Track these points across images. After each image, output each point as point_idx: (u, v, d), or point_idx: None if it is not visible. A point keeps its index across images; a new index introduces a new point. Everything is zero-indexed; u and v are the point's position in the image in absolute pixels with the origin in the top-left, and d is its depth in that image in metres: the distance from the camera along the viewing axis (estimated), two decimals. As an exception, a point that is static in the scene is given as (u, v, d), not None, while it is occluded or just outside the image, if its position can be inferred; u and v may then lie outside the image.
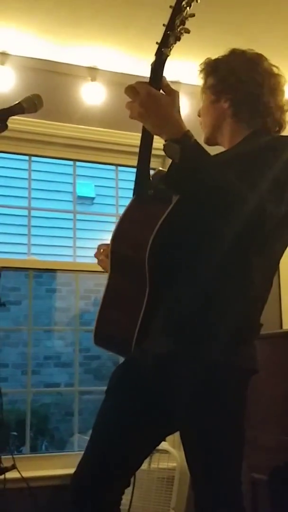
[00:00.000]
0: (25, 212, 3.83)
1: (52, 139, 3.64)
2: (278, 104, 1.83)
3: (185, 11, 1.60)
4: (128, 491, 1.76)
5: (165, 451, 3.29)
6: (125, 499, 1.76)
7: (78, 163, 3.94)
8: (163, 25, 1.59)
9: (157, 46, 1.64)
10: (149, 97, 1.53)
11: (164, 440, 3.36)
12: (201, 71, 1.92)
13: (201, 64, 1.93)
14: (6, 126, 1.70)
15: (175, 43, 1.63)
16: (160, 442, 1.80)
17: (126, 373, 1.72)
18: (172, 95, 1.58)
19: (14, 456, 2.99)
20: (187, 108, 4.07)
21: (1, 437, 2.84)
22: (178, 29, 1.61)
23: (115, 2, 3.22)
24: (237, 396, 1.70)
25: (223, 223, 1.54)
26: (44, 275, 6.64)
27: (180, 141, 1.50)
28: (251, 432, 2.74)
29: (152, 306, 1.57)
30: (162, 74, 1.60)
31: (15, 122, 1.76)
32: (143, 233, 1.55)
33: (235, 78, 1.82)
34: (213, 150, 1.77)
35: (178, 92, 1.59)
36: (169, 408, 1.66)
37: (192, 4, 1.60)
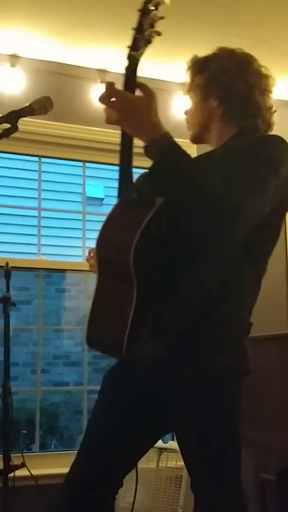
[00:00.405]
0: (35, 213, 3.85)
1: (62, 141, 3.67)
2: (267, 105, 1.83)
3: (153, 14, 1.58)
4: (130, 489, 1.78)
5: (173, 450, 3.29)
6: (129, 497, 1.78)
7: (87, 164, 3.97)
8: (132, 28, 1.58)
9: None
10: (125, 102, 1.52)
11: (172, 439, 3.38)
12: (188, 69, 1.90)
13: (188, 61, 1.91)
14: (17, 128, 1.72)
15: (146, 46, 1.60)
16: (154, 443, 1.83)
17: (118, 375, 1.74)
18: (149, 96, 1.56)
19: (24, 454, 3.01)
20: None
21: (11, 435, 2.86)
22: (148, 32, 1.59)
23: (126, 4, 3.24)
24: (229, 397, 1.68)
25: (206, 224, 1.54)
26: (54, 275, 6.66)
27: (159, 142, 1.51)
28: (259, 433, 2.76)
29: (141, 310, 1.56)
30: (135, 77, 1.58)
31: (25, 123, 1.77)
32: (128, 237, 1.54)
33: (226, 77, 1.81)
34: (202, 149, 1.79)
35: (155, 93, 1.57)
36: (160, 410, 1.68)
37: (160, 6, 1.59)
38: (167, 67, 3.77)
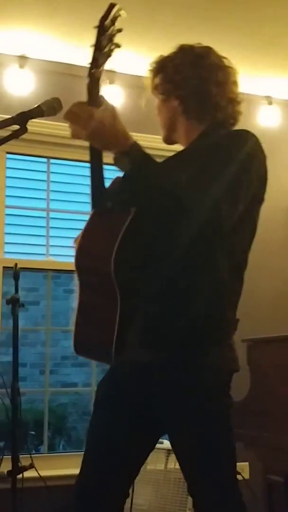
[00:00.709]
0: (44, 214, 3.86)
1: (71, 142, 3.65)
2: (228, 96, 1.82)
3: (111, 29, 1.58)
4: (139, 490, 1.78)
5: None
6: (137, 498, 1.77)
7: (96, 165, 3.96)
8: (91, 46, 1.58)
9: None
10: (92, 119, 1.52)
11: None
12: (150, 71, 1.90)
13: (151, 63, 1.91)
14: (26, 129, 1.72)
15: (106, 60, 1.61)
16: (153, 446, 1.82)
17: (111, 386, 1.76)
18: (111, 109, 1.56)
19: (32, 455, 3.02)
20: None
21: (19, 436, 2.86)
22: (107, 48, 1.59)
23: (135, 5, 3.24)
24: (221, 397, 1.68)
25: (181, 228, 1.55)
26: (62, 276, 6.65)
27: (128, 153, 1.52)
28: (267, 434, 2.75)
29: (125, 317, 1.58)
30: (98, 92, 1.58)
31: (34, 125, 1.77)
32: (107, 246, 1.56)
33: (180, 75, 1.82)
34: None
35: (115, 107, 1.57)
36: (153, 415, 1.68)
37: (117, 20, 1.58)
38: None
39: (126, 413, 1.71)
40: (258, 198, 1.71)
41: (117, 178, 1.69)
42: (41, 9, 3.26)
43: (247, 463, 3.83)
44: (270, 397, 2.77)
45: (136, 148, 1.54)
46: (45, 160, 3.89)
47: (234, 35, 3.53)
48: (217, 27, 3.44)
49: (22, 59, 3.68)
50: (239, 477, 3.80)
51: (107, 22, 1.55)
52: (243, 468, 3.86)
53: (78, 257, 1.62)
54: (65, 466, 3.37)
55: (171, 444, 1.74)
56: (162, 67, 1.87)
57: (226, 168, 1.58)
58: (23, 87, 3.63)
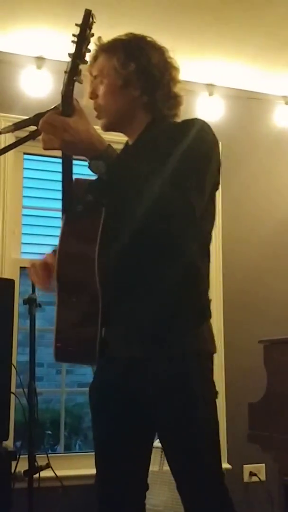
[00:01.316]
0: (59, 214, 3.86)
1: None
2: (179, 93, 1.85)
3: (90, 36, 1.55)
4: (155, 491, 1.78)
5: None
6: (154, 499, 1.78)
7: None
8: (69, 54, 1.55)
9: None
10: (68, 129, 1.51)
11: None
12: (103, 50, 1.84)
13: (102, 42, 1.86)
14: (43, 130, 1.73)
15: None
16: (151, 446, 1.83)
17: (101, 389, 1.79)
18: (82, 114, 1.55)
19: (49, 455, 3.03)
20: (223, 110, 4.07)
21: (36, 436, 2.87)
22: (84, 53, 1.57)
23: (149, 8, 3.24)
24: (207, 381, 1.71)
25: (155, 222, 1.58)
26: (79, 276, 6.68)
27: (103, 157, 1.53)
28: (284, 435, 2.73)
29: (107, 315, 1.62)
30: (72, 99, 1.56)
31: (51, 126, 1.78)
32: (85, 250, 1.59)
33: (155, 69, 1.80)
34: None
35: (83, 110, 1.56)
36: (145, 408, 1.70)
37: (93, 25, 1.55)
38: (192, 67, 3.76)
39: (119, 415, 1.74)
40: (216, 183, 1.77)
41: (79, 180, 1.70)
42: (58, 9, 3.27)
43: (263, 465, 3.82)
44: (283, 398, 2.75)
45: (110, 151, 1.55)
46: (60, 160, 3.88)
47: (251, 35, 3.52)
48: (233, 28, 3.44)
49: (39, 60, 3.70)
50: (255, 478, 3.79)
51: (88, 32, 1.53)
52: (260, 470, 3.85)
53: (59, 265, 1.63)
54: (81, 466, 3.38)
55: (160, 438, 1.75)
56: (129, 53, 1.80)
57: (195, 165, 1.64)
58: (40, 88, 3.65)
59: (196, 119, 1.75)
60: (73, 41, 1.52)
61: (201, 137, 1.70)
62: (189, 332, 1.69)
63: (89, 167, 1.56)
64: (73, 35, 1.52)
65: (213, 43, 3.59)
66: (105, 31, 1.85)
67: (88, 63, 1.85)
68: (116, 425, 1.75)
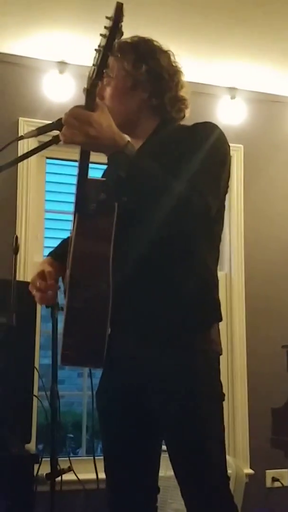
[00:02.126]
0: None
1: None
2: (185, 96, 1.85)
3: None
4: (177, 495, 1.78)
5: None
6: (176, 503, 1.77)
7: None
8: (98, 48, 1.50)
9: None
10: (92, 123, 1.49)
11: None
12: (117, 50, 1.78)
13: (118, 42, 1.83)
14: (64, 135, 1.74)
15: None
16: (158, 449, 1.82)
17: (109, 393, 1.80)
18: (104, 109, 1.53)
19: (71, 458, 3.03)
20: (245, 114, 4.06)
21: (58, 439, 2.88)
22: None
23: (177, 7, 3.24)
24: (216, 381, 1.70)
25: (174, 223, 1.58)
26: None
27: (125, 153, 1.52)
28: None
29: (116, 315, 1.61)
30: (96, 94, 1.52)
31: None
32: (99, 250, 1.58)
33: (166, 73, 1.80)
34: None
35: (105, 106, 1.55)
36: (153, 412, 1.69)
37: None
38: (214, 70, 3.75)
39: (126, 418, 1.74)
40: (226, 190, 1.77)
41: (90, 179, 1.67)
42: (80, 14, 3.28)
43: (286, 470, 3.79)
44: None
45: (130, 147, 1.55)
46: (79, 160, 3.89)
47: (274, 38, 3.50)
48: (255, 32, 3.42)
49: (62, 65, 3.72)
50: (278, 483, 3.76)
51: (120, 24, 1.50)
52: (282, 475, 3.82)
53: (74, 264, 1.60)
54: (103, 470, 3.37)
55: (165, 441, 1.74)
56: (140, 56, 1.80)
57: (211, 169, 1.65)
58: (63, 93, 3.67)
59: (209, 123, 1.75)
60: (102, 34, 1.49)
61: (218, 145, 1.70)
62: (198, 334, 1.69)
63: (109, 162, 1.55)
64: (105, 27, 1.49)
65: (235, 46, 3.58)
66: (126, 34, 1.86)
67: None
68: (124, 428, 1.75)
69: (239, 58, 3.69)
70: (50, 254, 1.97)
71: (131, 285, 1.65)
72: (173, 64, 1.84)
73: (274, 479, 3.80)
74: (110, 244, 1.59)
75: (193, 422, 1.64)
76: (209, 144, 1.68)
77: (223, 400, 1.71)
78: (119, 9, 1.46)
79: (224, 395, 1.72)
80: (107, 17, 1.47)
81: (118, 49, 1.77)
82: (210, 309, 1.73)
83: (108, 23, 1.46)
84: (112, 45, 1.46)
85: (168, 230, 1.61)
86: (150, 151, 1.75)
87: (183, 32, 3.33)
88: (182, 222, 1.59)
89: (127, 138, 1.57)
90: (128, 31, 1.84)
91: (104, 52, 1.46)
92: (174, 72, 1.82)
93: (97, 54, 1.48)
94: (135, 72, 1.78)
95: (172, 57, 1.85)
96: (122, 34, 1.49)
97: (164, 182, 1.55)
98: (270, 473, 3.81)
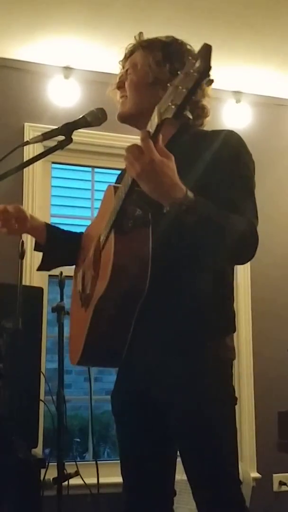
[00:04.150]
0: (89, 222, 3.88)
1: (115, 151, 3.69)
2: (207, 106, 1.83)
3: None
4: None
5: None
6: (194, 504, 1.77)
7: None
8: (176, 84, 1.30)
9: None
10: (154, 164, 1.41)
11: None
12: (146, 46, 1.81)
13: (137, 36, 1.85)
14: (71, 140, 1.75)
15: None
16: (174, 452, 1.81)
17: (123, 397, 1.81)
18: (171, 158, 1.45)
19: (77, 462, 3.03)
20: (251, 118, 4.06)
21: (64, 444, 2.88)
22: None
23: (182, 12, 3.25)
24: (230, 388, 1.71)
25: (217, 245, 1.58)
26: (107, 283, 6.69)
27: (184, 204, 1.46)
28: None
29: (139, 322, 1.62)
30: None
31: (79, 135, 1.79)
32: (139, 264, 1.56)
33: (178, 67, 1.72)
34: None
35: (172, 155, 1.47)
36: (167, 415, 1.68)
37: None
38: (219, 74, 3.75)
39: (141, 421, 1.74)
40: None
41: (114, 187, 1.67)
42: (85, 19, 3.29)
43: (294, 474, 3.78)
44: None
45: (191, 198, 1.48)
46: (89, 169, 3.92)
47: (279, 42, 3.50)
48: (262, 34, 3.43)
49: (67, 70, 3.73)
50: (284, 487, 3.75)
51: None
52: (290, 479, 3.81)
53: (112, 277, 1.57)
54: (110, 474, 3.37)
55: (178, 445, 1.74)
56: (168, 54, 1.79)
57: (251, 191, 1.67)
58: (68, 98, 3.68)
59: (235, 133, 1.74)
60: (188, 73, 1.28)
61: (247, 161, 1.71)
62: (215, 342, 1.70)
63: (173, 213, 1.47)
64: (207, 78, 1.26)
65: (241, 50, 3.59)
66: (131, 39, 1.87)
67: (123, 56, 1.89)
68: (139, 432, 1.75)
69: (244, 62, 3.69)
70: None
71: (154, 293, 1.61)
72: None
73: (281, 483, 3.79)
74: (148, 257, 1.56)
75: (207, 426, 1.64)
76: (247, 168, 1.70)
77: (236, 404, 1.72)
78: (207, 51, 1.26)
79: (236, 399, 1.72)
80: (191, 58, 1.29)
81: (148, 44, 1.82)
82: (228, 319, 1.74)
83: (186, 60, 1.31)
84: (197, 89, 1.28)
85: (212, 259, 1.64)
86: (182, 162, 1.63)
87: (188, 37, 3.33)
88: (238, 255, 1.63)
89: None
90: (134, 37, 1.86)
91: (188, 94, 1.27)
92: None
93: (173, 90, 1.31)
94: (158, 70, 1.78)
95: None
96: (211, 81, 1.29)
97: (227, 225, 1.54)
98: (277, 477, 3.80)
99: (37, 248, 2.05)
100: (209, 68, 1.24)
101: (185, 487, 2.82)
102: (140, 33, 1.86)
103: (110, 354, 1.68)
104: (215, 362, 1.68)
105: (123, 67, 1.88)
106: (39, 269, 2.07)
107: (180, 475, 1.84)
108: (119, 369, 1.87)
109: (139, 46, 1.85)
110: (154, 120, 1.37)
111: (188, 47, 1.84)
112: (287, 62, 3.74)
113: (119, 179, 1.96)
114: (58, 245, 2.03)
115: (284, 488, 3.79)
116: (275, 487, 3.79)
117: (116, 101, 1.89)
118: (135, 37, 1.87)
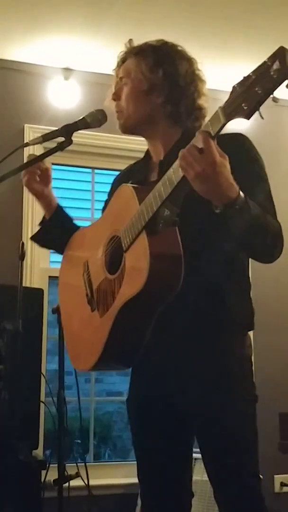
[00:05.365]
0: (87, 223, 3.88)
1: (116, 152, 3.70)
2: (204, 105, 1.83)
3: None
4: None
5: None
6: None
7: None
8: (238, 84, 1.45)
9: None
10: (216, 165, 1.40)
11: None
12: (136, 54, 1.81)
13: (134, 45, 1.84)
14: (71, 141, 1.75)
15: None
16: (191, 453, 1.82)
17: (140, 401, 1.80)
18: (226, 157, 1.45)
19: (78, 464, 3.03)
20: (252, 118, 4.05)
21: (65, 445, 2.88)
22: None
23: (176, 16, 3.25)
24: (247, 380, 1.75)
25: (266, 255, 1.73)
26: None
27: (237, 203, 1.46)
28: None
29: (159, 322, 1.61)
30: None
31: (79, 136, 1.80)
32: (173, 265, 1.55)
33: (182, 79, 1.77)
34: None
35: (226, 155, 1.46)
36: (185, 416, 1.70)
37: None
38: (219, 76, 3.75)
39: (160, 424, 1.74)
40: None
41: (140, 188, 1.66)
42: (85, 19, 3.29)
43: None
44: None
45: (243, 198, 1.48)
46: (89, 170, 3.92)
47: (279, 43, 3.50)
48: (261, 36, 3.43)
49: (67, 71, 3.73)
50: (286, 488, 3.74)
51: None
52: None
53: (148, 279, 1.53)
54: (111, 475, 3.38)
55: (199, 444, 1.73)
56: (158, 60, 1.78)
57: (265, 188, 1.73)
58: (68, 99, 3.68)
59: (246, 137, 1.77)
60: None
61: (261, 163, 1.75)
62: (236, 340, 1.74)
63: (222, 212, 1.46)
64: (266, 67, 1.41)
65: (240, 52, 3.58)
66: (135, 42, 1.87)
67: (116, 65, 1.88)
68: (159, 436, 1.74)
69: (244, 63, 3.69)
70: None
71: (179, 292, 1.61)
72: (195, 72, 1.81)
73: (282, 484, 3.79)
74: (181, 258, 1.55)
75: (230, 424, 1.65)
76: (263, 171, 1.74)
77: (256, 401, 1.74)
78: (284, 54, 1.37)
79: (257, 396, 1.75)
80: (267, 60, 1.39)
81: (139, 51, 1.81)
82: (250, 316, 1.79)
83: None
84: (272, 92, 1.39)
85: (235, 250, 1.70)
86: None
87: (189, 38, 3.33)
88: (273, 255, 1.72)
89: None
90: (134, 38, 1.86)
91: (265, 95, 1.38)
92: (192, 80, 1.79)
93: (243, 91, 1.42)
94: (151, 75, 1.77)
95: (194, 65, 1.82)
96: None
97: (269, 226, 1.62)
98: (278, 478, 3.79)
99: (41, 223, 2.10)
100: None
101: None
102: (130, 40, 1.86)
103: (127, 355, 1.68)
104: (238, 361, 1.71)
105: (117, 76, 1.87)
106: (32, 237, 2.13)
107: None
108: (134, 374, 1.86)
109: (130, 53, 1.84)
110: (217, 120, 1.41)
111: (179, 48, 1.83)
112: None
113: (118, 181, 1.95)
114: (60, 227, 2.06)
115: (285, 489, 3.78)
116: (277, 488, 3.79)
117: (114, 112, 1.87)
118: (125, 44, 1.86)
